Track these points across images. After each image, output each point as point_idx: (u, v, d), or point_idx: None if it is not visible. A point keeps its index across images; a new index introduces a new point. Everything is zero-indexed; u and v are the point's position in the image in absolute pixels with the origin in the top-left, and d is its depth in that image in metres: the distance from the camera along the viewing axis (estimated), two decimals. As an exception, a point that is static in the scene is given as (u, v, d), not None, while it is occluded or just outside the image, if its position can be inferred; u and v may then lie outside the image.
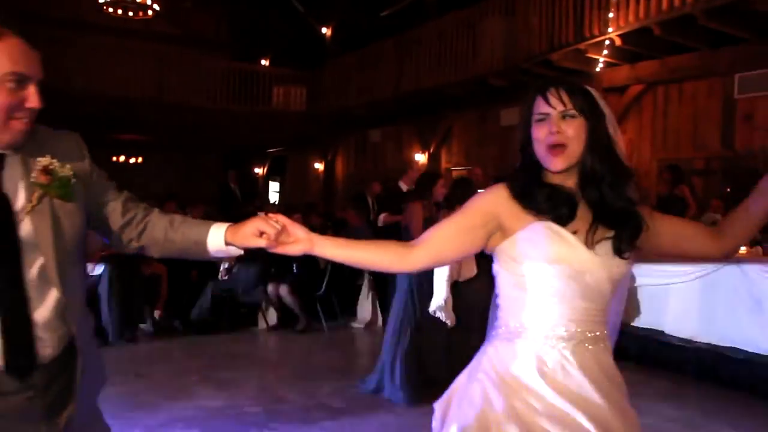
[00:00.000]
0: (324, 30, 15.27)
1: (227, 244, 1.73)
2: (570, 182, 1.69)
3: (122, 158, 17.31)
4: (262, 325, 7.17)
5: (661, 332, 5.79)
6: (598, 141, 1.65)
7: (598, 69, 8.73)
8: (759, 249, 5.52)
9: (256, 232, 1.68)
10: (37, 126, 1.58)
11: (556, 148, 1.63)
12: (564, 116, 1.64)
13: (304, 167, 17.18)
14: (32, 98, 1.48)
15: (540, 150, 1.66)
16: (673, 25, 7.20)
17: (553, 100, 1.64)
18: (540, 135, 1.65)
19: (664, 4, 7.00)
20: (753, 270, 5.20)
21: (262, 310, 7.16)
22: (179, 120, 14.00)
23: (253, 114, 14.40)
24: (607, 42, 7.91)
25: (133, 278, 6.46)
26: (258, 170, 19.29)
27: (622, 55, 8.43)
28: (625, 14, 7.48)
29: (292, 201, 15.91)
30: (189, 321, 6.87)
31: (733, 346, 5.27)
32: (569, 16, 8.28)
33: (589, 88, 1.70)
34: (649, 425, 4.34)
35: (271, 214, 1.76)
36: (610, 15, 7.53)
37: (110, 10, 11.81)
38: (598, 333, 1.67)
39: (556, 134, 1.63)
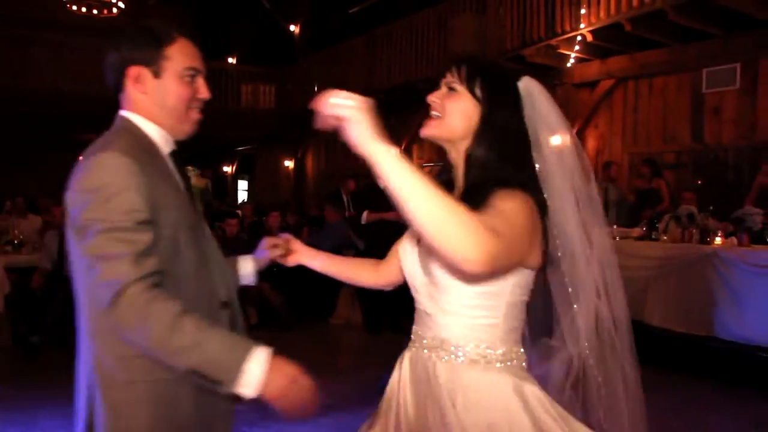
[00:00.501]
0: (292, 27, 15.20)
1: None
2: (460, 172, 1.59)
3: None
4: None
5: (640, 322, 5.91)
6: (490, 130, 1.52)
7: (569, 64, 8.87)
8: (734, 239, 5.66)
9: (270, 245, 1.95)
10: None
11: (430, 117, 1.56)
12: (449, 89, 1.56)
13: (275, 165, 17.07)
14: (202, 89, 1.65)
15: None
16: (643, 21, 7.33)
17: (449, 75, 1.57)
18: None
19: (635, 1, 7.12)
20: (729, 260, 5.34)
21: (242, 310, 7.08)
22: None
23: (221, 112, 14.22)
24: (578, 38, 8.02)
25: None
26: (227, 169, 19.13)
27: (592, 50, 8.56)
28: (596, 10, 7.58)
29: (262, 200, 15.81)
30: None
31: (710, 334, 5.42)
32: (540, 13, 8.37)
33: (523, 81, 1.58)
34: (656, 410, 4.45)
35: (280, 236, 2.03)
36: (582, 11, 7.64)
37: (74, 7, 11.55)
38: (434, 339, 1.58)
39: (433, 103, 1.57)
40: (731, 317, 5.26)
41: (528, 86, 1.57)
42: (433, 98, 1.56)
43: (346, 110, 1.20)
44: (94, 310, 1.48)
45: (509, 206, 1.37)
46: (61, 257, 6.30)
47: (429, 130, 1.56)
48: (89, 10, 11.75)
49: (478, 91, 1.52)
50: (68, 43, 12.68)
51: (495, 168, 1.49)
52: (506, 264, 1.33)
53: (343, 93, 1.22)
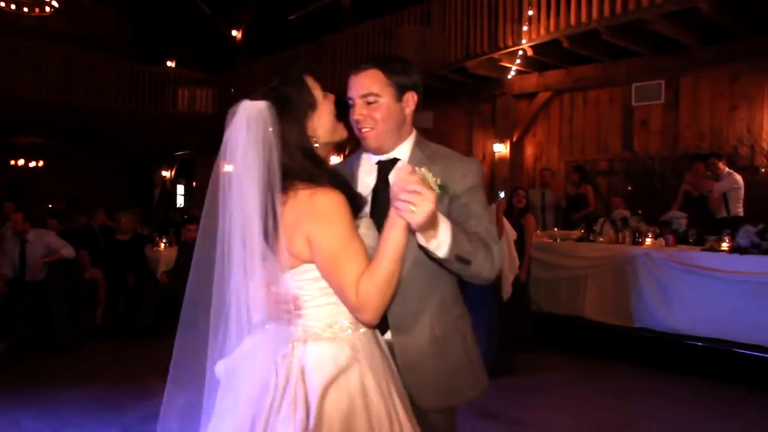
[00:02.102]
0: (234, 33, 15.26)
1: None
2: None
3: (21, 162, 16.61)
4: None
5: (580, 317, 6.45)
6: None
7: (510, 76, 9.41)
8: (662, 241, 6.25)
9: None
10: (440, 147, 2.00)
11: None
12: None
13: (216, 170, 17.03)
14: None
15: None
16: (578, 39, 7.93)
17: None
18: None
19: (573, 20, 7.69)
20: (659, 258, 5.92)
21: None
22: (81, 122, 13.55)
23: (158, 116, 14.11)
24: (519, 52, 8.55)
25: (75, 283, 6.45)
26: (165, 173, 18.96)
27: (531, 64, 9.13)
28: (536, 27, 8.12)
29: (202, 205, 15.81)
30: (135, 326, 6.88)
31: (642, 326, 5.99)
32: (484, 27, 8.85)
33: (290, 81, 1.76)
34: (584, 396, 4.95)
35: None
36: (524, 28, 8.16)
37: (2, 4, 11.04)
38: None
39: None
40: (660, 310, 5.84)
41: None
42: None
43: (422, 199, 1.48)
44: None
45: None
46: (23, 264, 6.34)
47: None
48: (19, 8, 11.43)
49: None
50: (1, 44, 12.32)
51: None
52: None
53: (417, 179, 1.49)
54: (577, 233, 7.14)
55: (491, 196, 8.69)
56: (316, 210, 1.61)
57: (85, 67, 13.36)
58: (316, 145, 1.75)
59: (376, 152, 1.95)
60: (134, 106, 13.69)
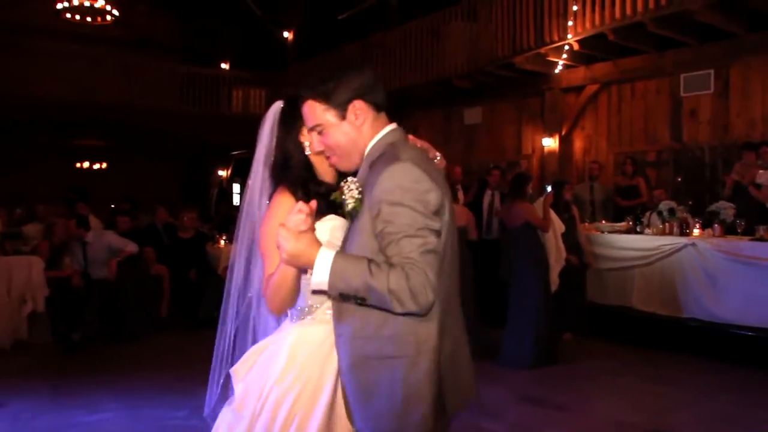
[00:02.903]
0: (285, 34, 15.63)
1: None
2: None
3: (86, 164, 17.37)
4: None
5: (629, 307, 6.54)
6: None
7: (557, 71, 9.48)
8: (710, 231, 6.28)
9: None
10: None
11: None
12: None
13: (270, 169, 17.46)
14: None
15: None
16: (625, 32, 7.97)
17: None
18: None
19: (617, 13, 7.75)
20: (706, 249, 5.97)
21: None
22: (139, 124, 14.12)
23: (213, 116, 14.59)
24: (566, 47, 8.63)
25: (142, 278, 6.89)
26: (221, 173, 19.51)
27: (578, 57, 9.18)
28: (582, 22, 8.20)
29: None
30: (196, 318, 7.28)
31: (690, 316, 6.05)
32: (530, 23, 8.98)
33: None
34: (629, 383, 5.08)
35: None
36: (569, 23, 8.24)
37: (68, 15, 11.73)
38: None
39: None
40: (708, 300, 5.90)
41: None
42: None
43: (283, 238, 1.66)
44: None
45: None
46: (86, 261, 6.80)
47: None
48: (83, 18, 11.99)
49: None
50: (62, 50, 12.94)
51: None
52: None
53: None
54: (624, 225, 7.20)
55: (540, 191, 8.79)
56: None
57: (141, 71, 13.96)
58: (308, 152, 1.99)
59: (351, 170, 1.87)
60: (190, 107, 14.18)
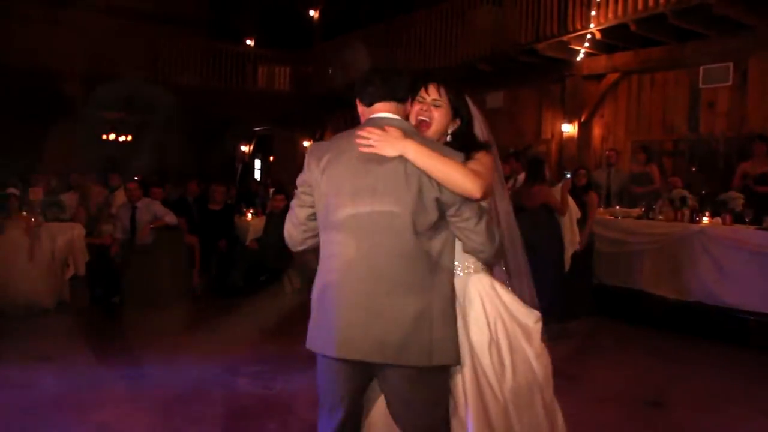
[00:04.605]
0: (311, 12, 15.82)
1: None
2: None
3: (112, 136, 17.77)
4: (287, 288, 7.77)
5: (640, 290, 6.82)
6: (463, 122, 2.44)
7: (578, 58, 9.68)
8: (719, 219, 6.53)
9: None
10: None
11: (423, 123, 2.38)
12: (435, 105, 2.38)
13: (293, 145, 17.76)
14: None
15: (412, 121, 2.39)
16: (646, 23, 8.17)
17: (432, 92, 2.38)
18: (414, 110, 2.39)
19: (640, 5, 7.95)
20: (713, 236, 6.23)
21: (287, 274, 7.76)
22: (165, 99, 14.40)
23: (238, 92, 14.81)
24: (588, 35, 8.83)
25: (178, 247, 7.28)
26: (244, 148, 19.88)
27: (600, 46, 9.37)
28: (605, 12, 8.40)
29: (280, 179, 16.57)
30: (226, 286, 7.67)
31: (696, 300, 6.33)
32: (554, 11, 9.18)
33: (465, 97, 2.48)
34: (635, 357, 5.38)
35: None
36: (592, 12, 8.45)
37: None
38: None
39: (424, 113, 2.38)
40: (714, 285, 6.17)
41: (468, 99, 2.50)
42: (422, 113, 2.39)
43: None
44: None
45: (485, 159, 2.33)
46: (133, 229, 7.17)
47: (424, 133, 2.38)
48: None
49: (452, 102, 2.42)
50: (90, 23, 13.07)
51: (468, 140, 2.43)
52: (489, 192, 2.25)
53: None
54: (637, 211, 7.46)
55: (558, 176, 9.03)
56: None
57: (168, 45, 14.16)
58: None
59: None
60: (215, 83, 14.42)
